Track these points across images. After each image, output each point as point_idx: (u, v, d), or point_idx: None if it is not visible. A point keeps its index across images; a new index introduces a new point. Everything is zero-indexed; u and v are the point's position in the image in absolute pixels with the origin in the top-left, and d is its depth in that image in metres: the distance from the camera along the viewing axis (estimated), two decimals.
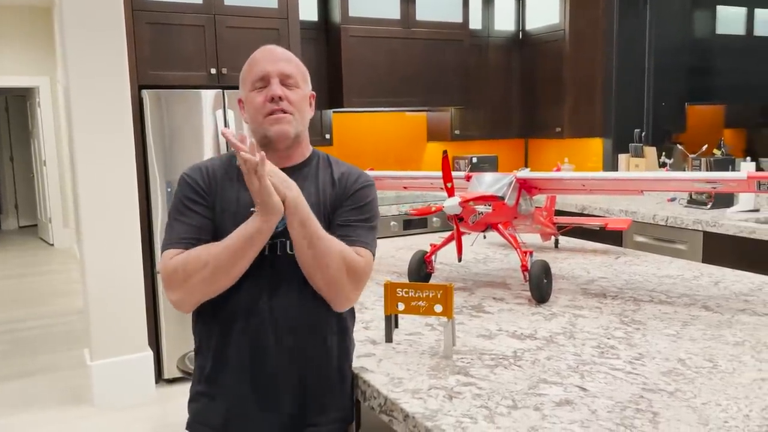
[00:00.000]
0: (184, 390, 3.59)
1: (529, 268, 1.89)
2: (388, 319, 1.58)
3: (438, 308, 1.49)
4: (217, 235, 1.38)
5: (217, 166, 1.46)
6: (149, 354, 3.56)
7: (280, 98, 1.39)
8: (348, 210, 1.44)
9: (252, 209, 1.34)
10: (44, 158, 8.45)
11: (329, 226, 1.42)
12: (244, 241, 1.30)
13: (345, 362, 1.46)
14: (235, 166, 1.43)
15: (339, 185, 1.46)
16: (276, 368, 1.39)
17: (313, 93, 1.51)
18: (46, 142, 8.38)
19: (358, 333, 1.65)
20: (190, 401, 1.50)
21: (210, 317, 1.43)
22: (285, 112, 1.39)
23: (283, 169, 1.43)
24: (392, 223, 4.30)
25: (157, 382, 3.66)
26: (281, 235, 1.38)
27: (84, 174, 3.34)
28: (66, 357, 4.29)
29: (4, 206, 10.27)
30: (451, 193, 1.81)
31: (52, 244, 8.61)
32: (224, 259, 1.31)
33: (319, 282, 1.37)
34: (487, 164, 5.04)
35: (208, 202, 1.41)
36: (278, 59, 1.42)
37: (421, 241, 2.89)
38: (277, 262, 1.39)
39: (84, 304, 3.57)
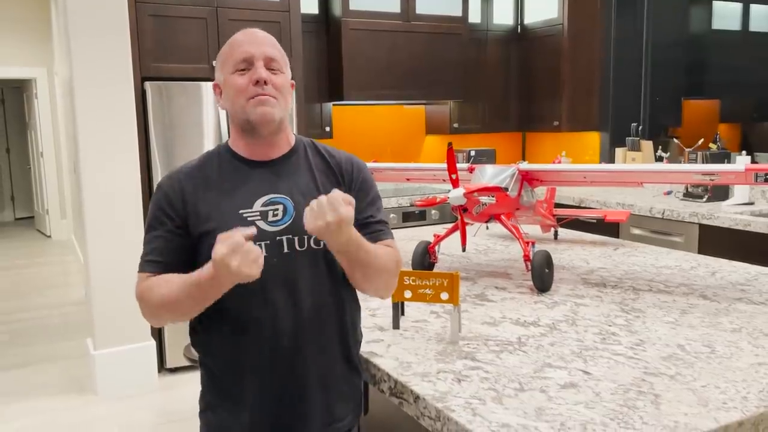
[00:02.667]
0: (186, 379, 3.65)
1: (531, 258, 1.93)
2: (395, 306, 1.62)
3: (444, 296, 1.53)
4: (198, 246, 1.33)
5: (194, 173, 1.39)
6: (152, 344, 3.59)
7: (265, 82, 1.33)
8: (363, 206, 1.39)
9: (241, 212, 1.32)
10: (41, 150, 8.44)
11: None
12: (197, 298, 1.25)
13: (356, 352, 1.46)
14: (212, 170, 1.39)
15: (341, 177, 1.41)
16: (295, 372, 1.35)
17: (293, 82, 1.44)
18: (43, 134, 8.37)
19: (366, 320, 1.69)
20: (203, 411, 1.43)
21: (214, 328, 1.37)
22: (269, 96, 1.33)
23: (271, 161, 1.39)
24: (392, 215, 4.33)
25: (159, 371, 3.69)
26: (286, 232, 1.33)
27: (87, 165, 3.37)
28: (65, 347, 4.31)
29: (0, 198, 10.26)
30: (456, 184, 1.85)
31: (49, 236, 8.61)
32: (183, 308, 1.29)
33: (365, 287, 1.37)
34: (485, 157, 5.08)
35: (175, 221, 1.35)
36: (262, 42, 1.36)
37: (422, 233, 2.93)
38: (282, 260, 1.33)
39: (87, 294, 3.60)
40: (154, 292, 1.30)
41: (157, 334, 3.70)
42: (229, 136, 1.46)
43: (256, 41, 1.36)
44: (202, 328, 1.40)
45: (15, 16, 7.96)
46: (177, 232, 1.35)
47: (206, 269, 1.19)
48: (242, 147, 1.40)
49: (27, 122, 9.23)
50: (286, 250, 1.33)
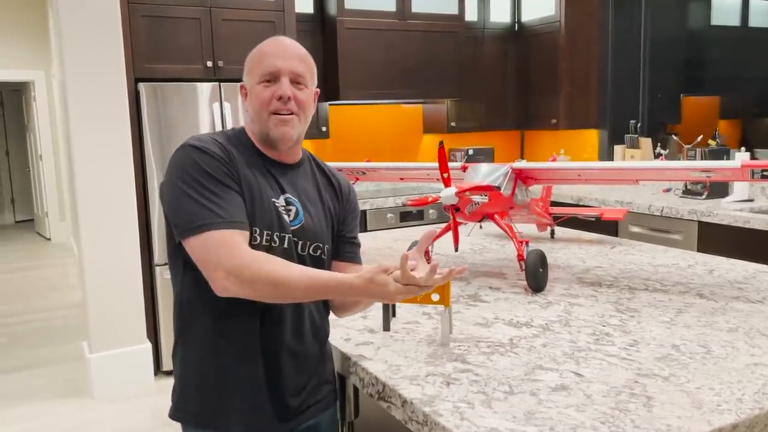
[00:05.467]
0: None
1: (525, 257, 1.90)
2: (385, 307, 1.59)
3: (435, 297, 1.51)
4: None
5: (232, 143, 1.37)
6: (148, 346, 3.57)
7: (289, 98, 1.34)
8: (352, 226, 1.51)
9: (273, 200, 1.34)
10: (40, 152, 8.43)
11: (332, 231, 1.47)
12: (325, 292, 1.25)
13: (327, 337, 1.52)
14: (244, 144, 1.38)
15: (341, 195, 1.50)
16: (273, 363, 1.39)
17: (317, 90, 1.46)
18: (42, 137, 8.36)
19: (356, 322, 1.66)
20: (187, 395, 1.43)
21: (205, 307, 1.37)
22: (291, 113, 1.35)
23: (285, 166, 1.42)
24: (389, 215, 4.31)
25: (155, 374, 3.67)
26: (294, 234, 1.37)
27: (81, 167, 3.35)
28: (63, 350, 4.30)
29: (0, 201, 10.25)
30: (447, 183, 1.83)
31: (49, 239, 8.60)
32: (297, 295, 1.25)
33: (344, 316, 1.51)
34: (483, 156, 5.06)
35: (235, 178, 1.30)
36: (291, 56, 1.36)
37: (415, 233, 2.91)
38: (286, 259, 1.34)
39: (82, 297, 3.58)
40: (267, 267, 1.21)
41: (153, 337, 3.68)
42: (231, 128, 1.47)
43: (285, 55, 1.36)
44: (192, 305, 1.37)
45: (13, 19, 7.95)
46: (238, 189, 1.30)
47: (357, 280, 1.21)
48: (259, 144, 1.42)
49: (26, 125, 9.23)
50: (285, 247, 1.37)
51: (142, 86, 3.56)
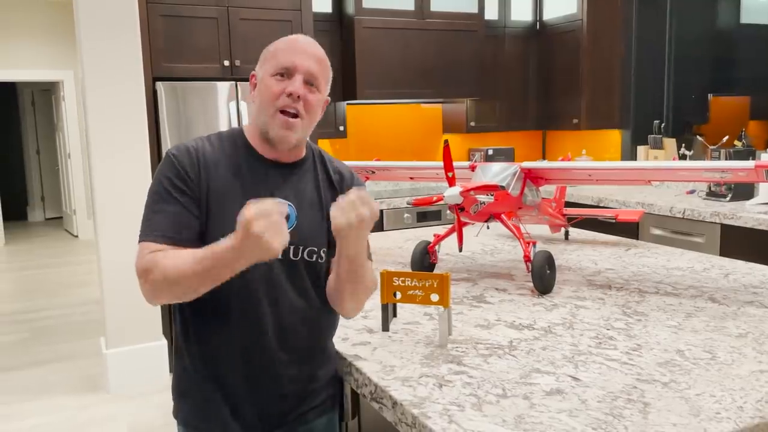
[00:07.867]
0: None
1: (531, 258, 1.87)
2: (384, 308, 1.57)
3: (434, 297, 1.49)
4: (207, 224, 1.30)
5: (207, 151, 1.35)
6: (164, 343, 3.60)
7: (298, 97, 1.31)
8: None
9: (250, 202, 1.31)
10: (69, 151, 8.58)
11: (329, 232, 1.39)
12: (211, 272, 1.17)
13: (331, 339, 1.49)
14: (227, 152, 1.36)
15: (342, 189, 1.43)
16: (268, 369, 1.37)
17: (328, 99, 1.42)
18: (71, 135, 8.52)
19: (356, 321, 1.65)
20: (181, 396, 1.44)
21: (182, 314, 1.39)
22: (297, 115, 1.31)
23: (282, 165, 1.39)
24: (406, 215, 4.29)
25: (171, 370, 3.70)
26: None
27: (99, 166, 3.39)
28: (83, 345, 4.36)
29: (30, 198, 10.46)
30: (452, 182, 1.80)
31: (77, 236, 8.75)
32: (194, 283, 1.20)
33: (347, 305, 1.39)
34: (504, 156, 5.01)
35: (193, 191, 1.30)
36: (310, 56, 1.33)
37: (423, 233, 2.88)
38: (277, 264, 1.33)
39: (100, 294, 3.62)
40: (161, 264, 1.21)
41: (169, 334, 3.71)
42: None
43: (304, 52, 1.33)
44: (185, 313, 1.38)
45: (43, 20, 8.11)
46: (192, 204, 1.30)
47: (227, 238, 1.14)
48: (257, 142, 1.39)
49: (55, 124, 9.40)
50: (280, 256, 1.29)
51: (160, 85, 3.59)
